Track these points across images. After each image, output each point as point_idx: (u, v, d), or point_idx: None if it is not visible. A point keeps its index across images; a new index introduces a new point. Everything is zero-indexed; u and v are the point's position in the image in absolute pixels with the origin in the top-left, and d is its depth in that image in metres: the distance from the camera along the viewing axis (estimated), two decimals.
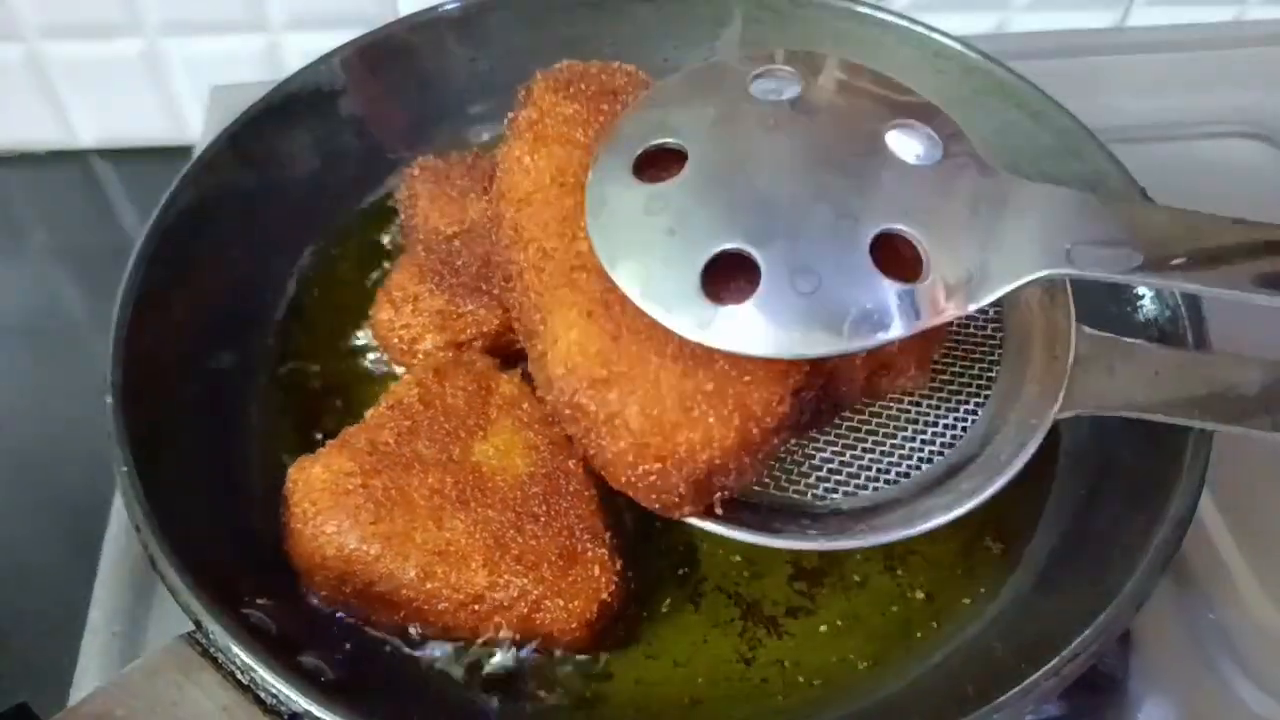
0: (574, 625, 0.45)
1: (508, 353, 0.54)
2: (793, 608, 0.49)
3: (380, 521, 0.45)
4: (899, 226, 0.34)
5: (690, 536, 0.50)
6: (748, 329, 0.34)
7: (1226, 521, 0.56)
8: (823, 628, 0.48)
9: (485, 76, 0.64)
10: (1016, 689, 0.40)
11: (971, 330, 0.47)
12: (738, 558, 0.50)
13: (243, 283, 0.57)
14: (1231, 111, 0.70)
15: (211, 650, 0.40)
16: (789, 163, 0.35)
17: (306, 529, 0.46)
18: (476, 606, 0.45)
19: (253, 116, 0.58)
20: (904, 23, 0.61)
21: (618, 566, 0.46)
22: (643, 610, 0.48)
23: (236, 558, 0.47)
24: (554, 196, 0.41)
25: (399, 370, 0.56)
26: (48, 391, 0.67)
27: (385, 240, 0.62)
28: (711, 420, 0.36)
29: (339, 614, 0.47)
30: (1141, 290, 0.52)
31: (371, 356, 0.57)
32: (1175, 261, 0.35)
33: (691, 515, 0.41)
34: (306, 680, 0.40)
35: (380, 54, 0.62)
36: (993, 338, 0.47)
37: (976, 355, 0.46)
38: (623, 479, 0.40)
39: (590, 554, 0.46)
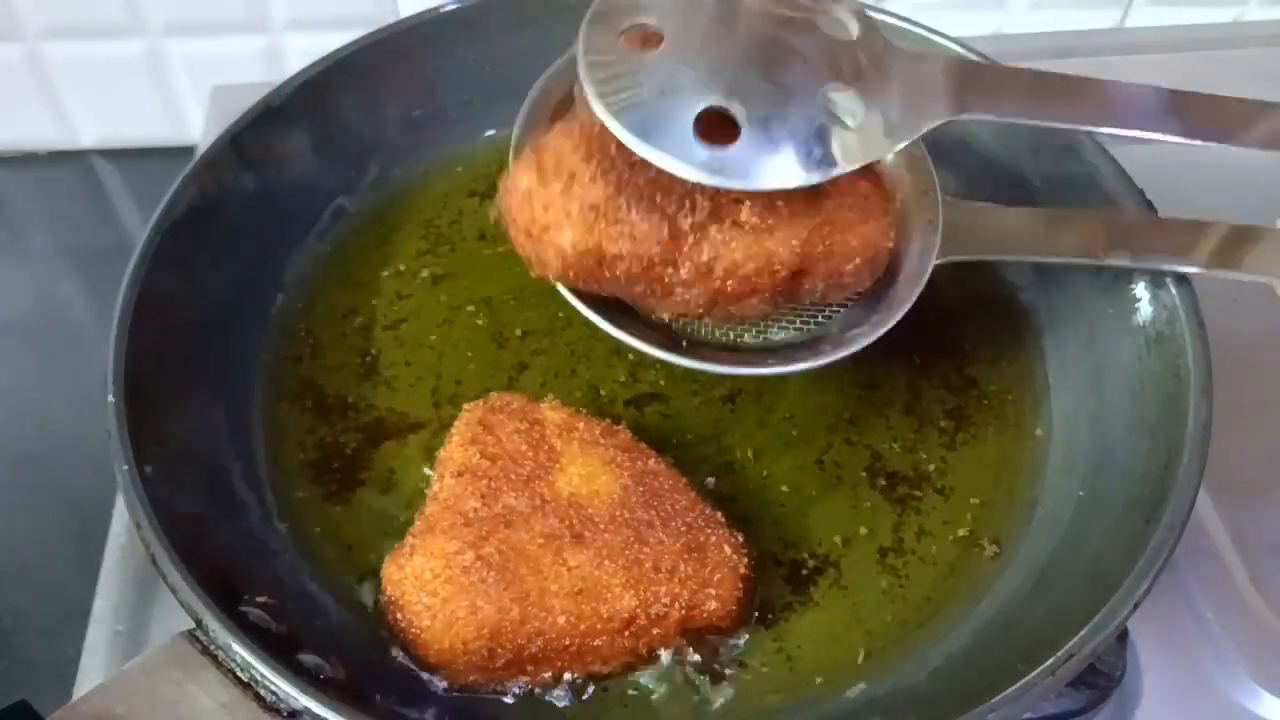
0: (733, 609, 0.46)
1: (644, 298, 0.46)
2: (789, 604, 0.49)
3: (511, 584, 0.44)
4: (841, 85, 0.43)
5: None
6: (737, 166, 0.41)
7: (1224, 522, 0.56)
8: (819, 625, 0.48)
9: (487, 78, 0.64)
10: (1012, 688, 0.40)
11: None
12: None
13: (245, 283, 0.57)
14: None
15: (212, 648, 0.40)
16: (748, 40, 0.43)
17: (437, 623, 0.44)
18: (632, 628, 0.45)
19: (254, 117, 0.58)
20: (904, 24, 0.61)
21: (740, 539, 0.47)
22: None
23: (237, 556, 0.47)
24: None
25: (406, 368, 0.56)
26: (50, 390, 0.68)
27: (390, 241, 0.62)
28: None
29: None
30: (1139, 293, 0.53)
31: (373, 356, 0.57)
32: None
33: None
34: (306, 677, 0.40)
35: (381, 55, 0.62)
36: None
37: None
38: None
39: (715, 537, 0.46)
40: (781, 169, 0.42)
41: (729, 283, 0.44)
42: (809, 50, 0.43)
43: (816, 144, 0.42)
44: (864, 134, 0.43)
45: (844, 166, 0.42)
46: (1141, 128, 0.45)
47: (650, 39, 0.43)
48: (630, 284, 0.45)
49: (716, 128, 0.41)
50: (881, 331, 0.48)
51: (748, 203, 0.43)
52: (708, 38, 0.43)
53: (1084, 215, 0.56)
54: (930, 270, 0.49)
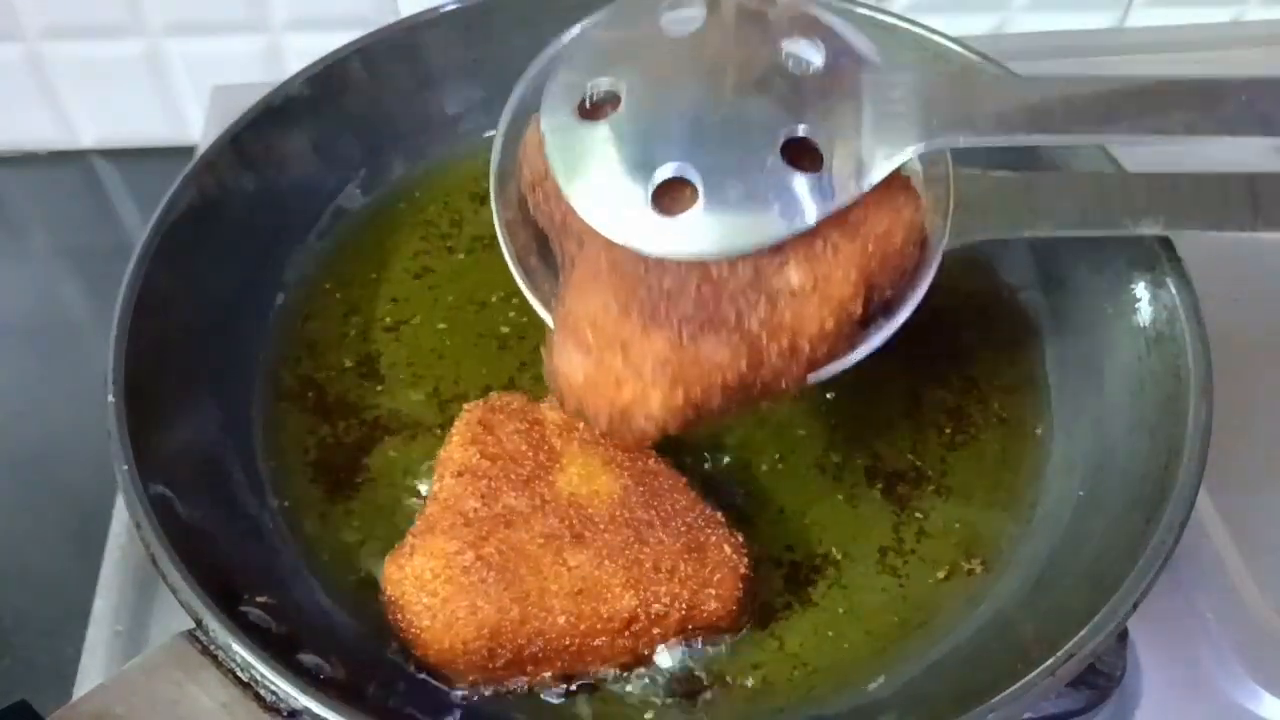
0: (733, 609, 0.46)
1: (749, 405, 0.43)
2: (789, 604, 0.49)
3: (511, 584, 0.44)
4: (800, 130, 0.40)
5: None
6: (701, 235, 0.40)
7: (1224, 522, 0.56)
8: (819, 625, 0.48)
9: (487, 77, 0.64)
10: (1012, 688, 0.40)
11: None
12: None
13: (245, 283, 0.57)
14: None
15: (212, 648, 0.40)
16: (705, 89, 0.41)
17: (437, 623, 0.44)
18: (632, 628, 0.45)
19: (254, 117, 0.58)
20: (904, 24, 0.61)
21: (740, 539, 0.47)
22: None
23: (237, 556, 0.47)
24: None
25: (406, 368, 0.56)
26: (49, 390, 0.68)
27: (390, 241, 0.62)
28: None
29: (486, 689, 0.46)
30: (1139, 293, 0.53)
31: (373, 356, 0.57)
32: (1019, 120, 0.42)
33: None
34: (306, 677, 0.40)
35: (381, 55, 0.62)
36: None
37: None
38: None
39: (715, 537, 0.46)
40: (747, 230, 0.39)
41: (818, 348, 0.41)
42: (771, 91, 0.41)
43: (779, 198, 0.39)
44: (830, 180, 0.40)
45: (809, 219, 0.40)
46: (1140, 131, 0.42)
47: (611, 102, 0.42)
48: (730, 403, 0.41)
49: (682, 188, 0.40)
50: (898, 323, 0.45)
51: (791, 266, 0.40)
52: (664, 91, 0.41)
53: (1083, 180, 0.53)
54: (940, 258, 0.46)
